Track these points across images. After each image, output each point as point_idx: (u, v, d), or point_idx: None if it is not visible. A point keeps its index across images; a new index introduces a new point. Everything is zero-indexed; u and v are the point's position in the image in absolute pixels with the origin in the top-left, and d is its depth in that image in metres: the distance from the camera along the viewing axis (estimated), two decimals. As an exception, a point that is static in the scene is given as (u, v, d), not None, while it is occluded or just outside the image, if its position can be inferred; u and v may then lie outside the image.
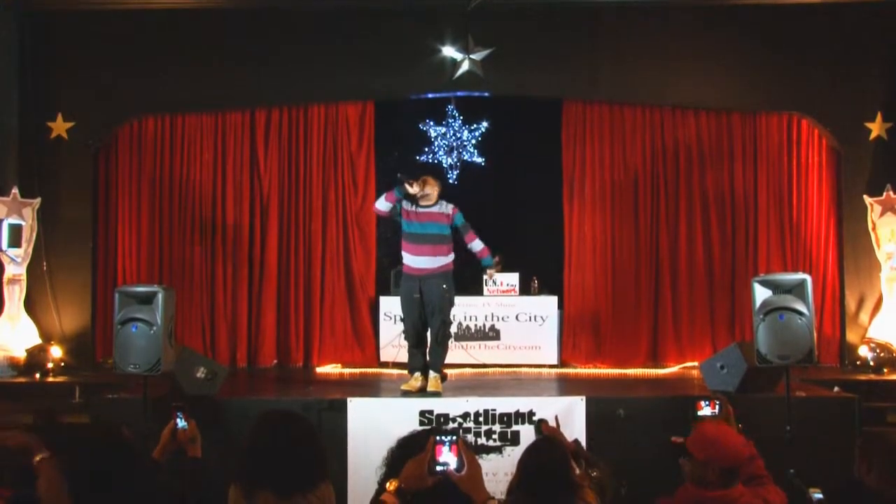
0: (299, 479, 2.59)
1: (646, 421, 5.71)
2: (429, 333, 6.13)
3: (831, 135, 8.05)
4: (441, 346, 6.11)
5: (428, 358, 6.13)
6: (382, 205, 6.12)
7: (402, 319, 6.33)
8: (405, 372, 7.10)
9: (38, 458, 3.00)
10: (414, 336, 6.14)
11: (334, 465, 5.03)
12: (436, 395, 5.96)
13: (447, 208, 6.13)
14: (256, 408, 5.73)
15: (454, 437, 2.29)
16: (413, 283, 6.07)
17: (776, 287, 5.34)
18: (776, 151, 8.26)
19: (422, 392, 6.02)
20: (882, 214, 7.83)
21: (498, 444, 5.66)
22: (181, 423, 3.38)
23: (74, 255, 8.05)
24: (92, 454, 2.30)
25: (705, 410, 3.92)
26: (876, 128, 7.97)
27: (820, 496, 3.18)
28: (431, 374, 6.07)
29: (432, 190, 6.08)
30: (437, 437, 2.29)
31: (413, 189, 5.98)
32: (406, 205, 6.09)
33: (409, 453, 2.38)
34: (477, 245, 6.23)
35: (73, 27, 8.16)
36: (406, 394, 6.02)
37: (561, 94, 8.38)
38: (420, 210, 6.08)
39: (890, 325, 7.64)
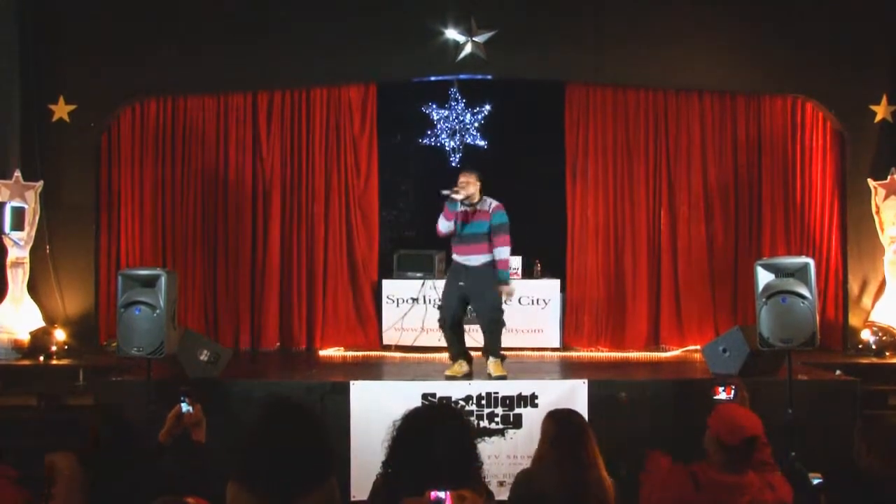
0: (302, 481, 2.42)
1: (648, 404, 5.75)
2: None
3: (836, 118, 8.00)
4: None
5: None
6: (445, 226, 6.02)
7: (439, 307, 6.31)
8: (408, 355, 7.11)
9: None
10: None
11: (338, 452, 5.04)
12: (501, 378, 6.00)
13: (489, 206, 6.04)
14: (259, 390, 5.78)
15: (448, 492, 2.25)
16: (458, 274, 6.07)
17: (779, 270, 5.35)
18: (780, 134, 8.22)
19: (467, 377, 6.09)
20: (886, 198, 7.79)
21: (500, 426, 5.70)
22: (186, 406, 3.40)
23: (77, 238, 8.06)
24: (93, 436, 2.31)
25: (721, 395, 4.06)
26: (881, 111, 7.92)
27: (820, 481, 3.19)
28: (492, 358, 6.14)
29: (474, 187, 6.00)
30: (435, 494, 2.24)
31: (460, 195, 5.90)
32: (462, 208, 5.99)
33: (412, 435, 2.39)
34: (501, 253, 6.03)
35: (74, 9, 8.10)
36: (450, 378, 6.06)
37: (564, 77, 8.31)
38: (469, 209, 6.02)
39: (893, 309, 7.62)
